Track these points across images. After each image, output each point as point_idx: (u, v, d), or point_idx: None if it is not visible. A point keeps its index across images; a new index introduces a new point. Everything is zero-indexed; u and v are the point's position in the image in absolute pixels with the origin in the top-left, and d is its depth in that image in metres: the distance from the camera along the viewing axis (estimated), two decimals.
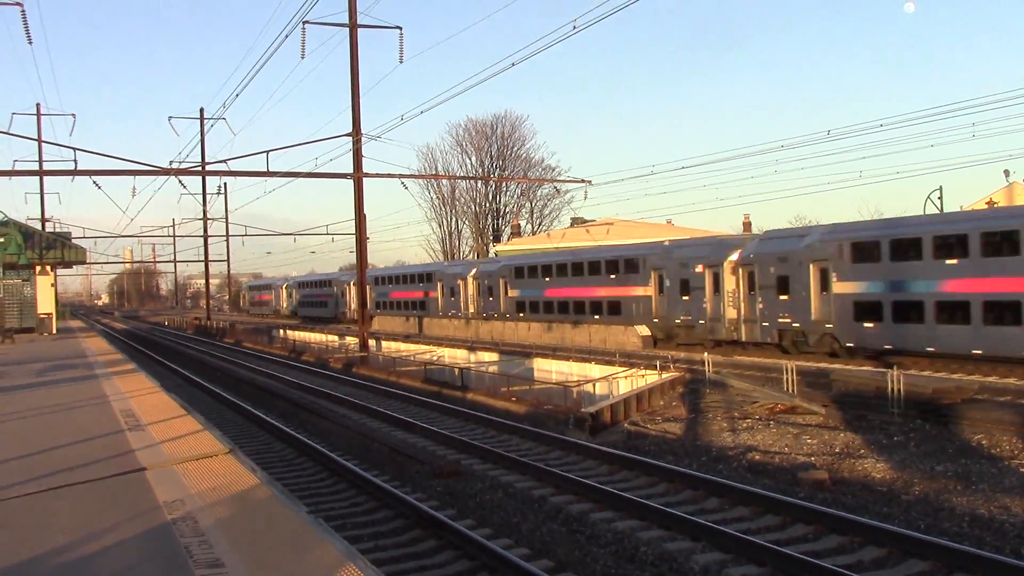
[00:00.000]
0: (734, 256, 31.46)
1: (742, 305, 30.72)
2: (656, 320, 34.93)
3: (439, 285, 54.38)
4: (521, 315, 45.00)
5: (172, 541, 6.87)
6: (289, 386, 29.64)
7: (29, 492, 8.73)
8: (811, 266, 27.70)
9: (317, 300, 77.46)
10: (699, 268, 32.67)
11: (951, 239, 23.61)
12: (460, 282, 51.67)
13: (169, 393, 17.92)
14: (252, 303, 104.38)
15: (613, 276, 37.76)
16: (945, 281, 23.38)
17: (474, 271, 51.03)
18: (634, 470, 14.79)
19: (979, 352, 22.74)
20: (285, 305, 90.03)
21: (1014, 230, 21.88)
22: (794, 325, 28.27)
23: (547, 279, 43.00)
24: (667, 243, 36.95)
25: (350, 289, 65.73)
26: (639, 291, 35.89)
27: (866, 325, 25.81)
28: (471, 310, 50.75)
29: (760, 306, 29.67)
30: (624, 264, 37.16)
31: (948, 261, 23.31)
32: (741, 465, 15.89)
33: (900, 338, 24.86)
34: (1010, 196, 44.95)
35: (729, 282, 31.42)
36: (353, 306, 61.29)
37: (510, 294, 46.36)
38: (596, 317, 38.49)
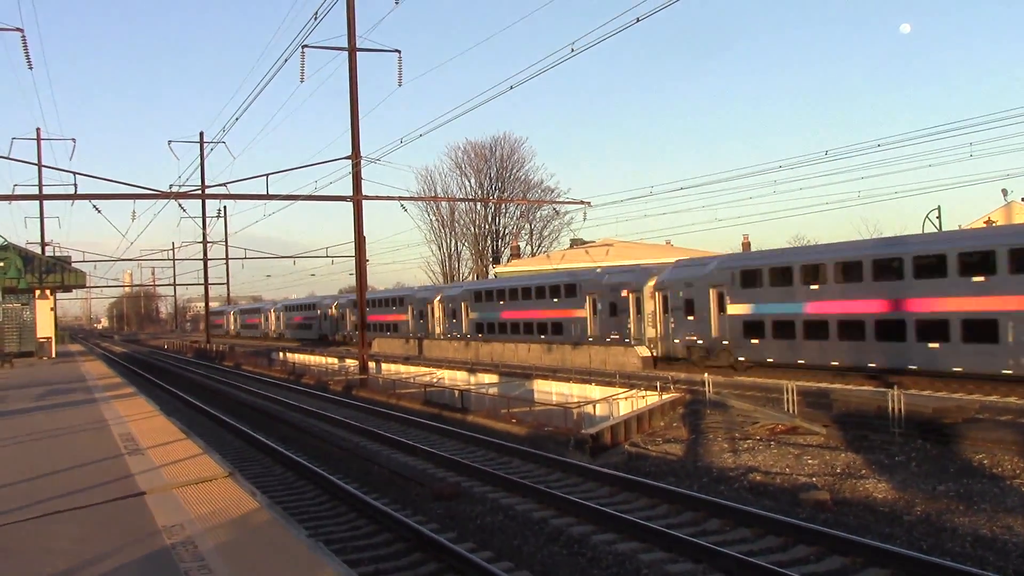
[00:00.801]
0: (438, 297, 54.81)
1: (441, 323, 54.16)
2: (411, 332, 56.62)
3: (318, 312, 77.10)
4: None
5: (172, 566, 6.85)
6: (289, 409, 29.58)
7: (29, 517, 8.70)
8: (463, 304, 50.72)
9: (252, 324, 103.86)
10: (438, 304, 54.72)
11: (518, 291, 45.51)
12: (329, 310, 74.67)
13: (168, 417, 17.89)
14: (211, 326, 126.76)
15: (395, 307, 60.66)
16: (519, 312, 45.23)
17: (336, 303, 73.75)
18: (635, 492, 14.73)
19: (542, 338, 42.54)
20: (233, 328, 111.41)
21: (542, 287, 43.39)
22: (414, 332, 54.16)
23: (374, 308, 65.49)
24: (416, 288, 62.75)
25: (272, 315, 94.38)
26: (402, 317, 59.17)
27: (478, 334, 48.08)
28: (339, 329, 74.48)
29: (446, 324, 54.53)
30: (397, 301, 60.53)
31: (524, 301, 44.92)
32: (742, 486, 15.83)
33: (506, 337, 45.64)
34: (1008, 215, 45.00)
35: (437, 310, 54.55)
36: (273, 327, 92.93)
37: (350, 318, 68.50)
38: (388, 333, 59.96)
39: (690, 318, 32.13)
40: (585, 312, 39.45)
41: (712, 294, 31.05)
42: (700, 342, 31.59)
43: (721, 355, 30.39)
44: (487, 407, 28.04)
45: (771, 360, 28.94)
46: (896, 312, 24.66)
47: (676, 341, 32.97)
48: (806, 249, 33.37)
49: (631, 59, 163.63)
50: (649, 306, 34.92)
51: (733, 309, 30.19)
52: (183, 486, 10.06)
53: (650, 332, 34.84)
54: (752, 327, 29.30)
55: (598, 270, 41.30)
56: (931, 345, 23.69)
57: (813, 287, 27.31)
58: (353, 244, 38.63)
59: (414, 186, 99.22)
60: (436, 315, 54.40)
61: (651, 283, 35.09)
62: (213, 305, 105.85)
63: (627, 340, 35.58)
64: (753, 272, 29.78)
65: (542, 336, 42.74)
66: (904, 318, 24.46)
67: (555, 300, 41.96)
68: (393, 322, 60.08)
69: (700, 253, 55.60)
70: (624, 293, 36.45)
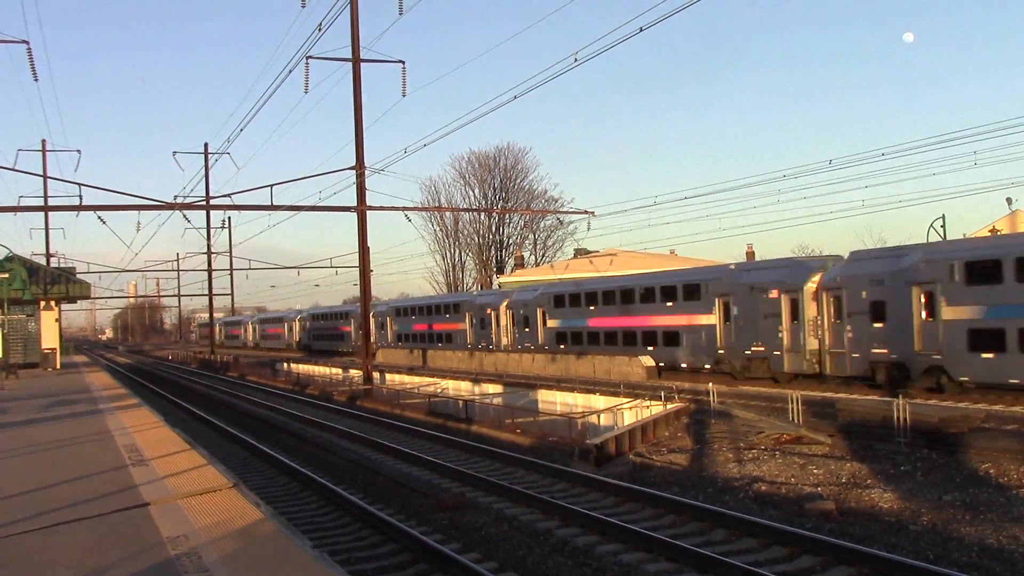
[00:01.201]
0: (372, 312, 61.27)
1: (373, 333, 61.94)
2: (353, 342, 66.80)
3: (284, 325, 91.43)
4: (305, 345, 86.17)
5: None
6: (293, 419, 29.56)
7: (33, 528, 8.70)
8: (387, 318, 64.71)
9: (234, 335, 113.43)
10: (372, 318, 62.60)
11: (423, 308, 59.35)
12: (293, 323, 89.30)
13: (173, 428, 17.91)
14: (200, 336, 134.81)
15: (341, 320, 74.12)
16: (423, 325, 58.06)
17: (298, 316, 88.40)
18: (640, 502, 14.70)
19: (439, 346, 53.51)
20: (218, 339, 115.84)
21: (438, 305, 56.90)
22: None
23: (329, 321, 79.66)
24: (357, 305, 69.87)
25: (250, 326, 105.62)
26: (347, 328, 71.27)
27: (399, 342, 60.83)
28: (286, 341, 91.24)
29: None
30: (344, 315, 73.59)
31: (427, 316, 57.92)
32: (747, 496, 15.77)
33: (415, 344, 57.88)
34: (1013, 224, 44.91)
35: (372, 323, 59.86)
36: (251, 338, 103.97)
37: (308, 330, 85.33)
38: (336, 342, 73.65)
39: (527, 329, 45.21)
40: (465, 325, 51.69)
41: (539, 313, 44.07)
42: (532, 347, 43.89)
43: (514, 353, 43.60)
44: (491, 417, 28.01)
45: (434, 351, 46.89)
46: (632, 326, 36.88)
47: (519, 346, 45.42)
48: (591, 281, 43.18)
49: (635, 69, 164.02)
50: (504, 320, 47.34)
51: (550, 323, 43.16)
52: (187, 497, 10.06)
53: (504, 340, 47.51)
54: (561, 336, 42.11)
55: (474, 292, 56.22)
56: (649, 348, 35.68)
57: (592, 308, 39.84)
58: (357, 254, 38.68)
59: (418, 196, 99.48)
60: (371, 327, 64.94)
61: (505, 303, 47.55)
62: (218, 317, 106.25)
63: (491, 347, 47.85)
64: (560, 297, 42.55)
65: (439, 344, 54.78)
66: (636, 331, 36.64)
67: (447, 316, 54.51)
68: (340, 332, 74.72)
69: (704, 262, 55.58)
70: (488, 311, 48.85)
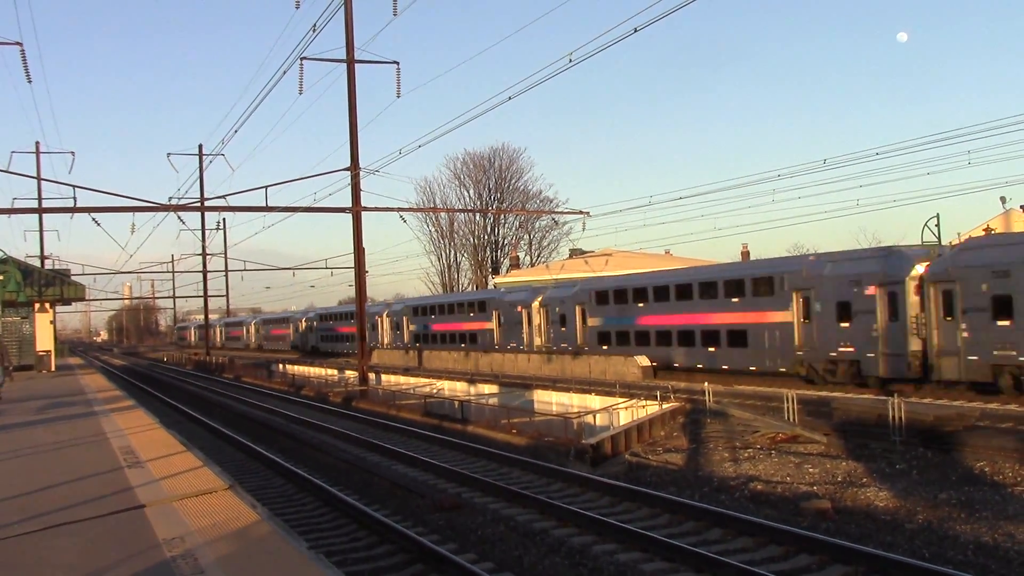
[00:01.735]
0: (304, 318, 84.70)
1: (306, 334, 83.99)
2: (293, 342, 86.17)
3: (243, 328, 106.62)
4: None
5: None
6: (289, 421, 29.53)
7: (28, 531, 8.68)
8: (314, 323, 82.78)
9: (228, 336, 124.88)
10: (304, 321, 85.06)
11: (337, 315, 75.55)
12: (250, 327, 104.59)
13: (168, 429, 17.86)
14: (179, 338, 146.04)
15: (283, 325, 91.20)
16: (338, 328, 73.79)
17: (254, 321, 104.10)
18: (636, 501, 14.71)
19: (347, 345, 67.71)
20: (193, 339, 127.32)
21: (342, 314, 73.98)
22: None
23: (274, 324, 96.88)
24: (293, 312, 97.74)
25: (218, 329, 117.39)
26: (288, 331, 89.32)
27: (321, 341, 78.19)
28: (246, 342, 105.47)
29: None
30: (285, 320, 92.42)
31: (338, 321, 73.86)
32: (743, 495, 15.80)
33: (330, 346, 75.64)
34: (1007, 223, 44.97)
35: (303, 325, 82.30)
36: (218, 340, 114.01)
37: (261, 333, 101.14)
38: (279, 343, 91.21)
39: (398, 331, 61.92)
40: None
41: (404, 320, 60.92)
42: (399, 344, 60.04)
43: (410, 351, 55.08)
44: (487, 418, 28.00)
45: (428, 351, 54.33)
46: (454, 329, 53.61)
47: (395, 344, 60.92)
48: (431, 298, 62.94)
49: (630, 69, 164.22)
50: (385, 325, 64.19)
51: (410, 327, 59.88)
52: (183, 499, 10.05)
53: (385, 340, 63.45)
54: (416, 336, 58.77)
55: (369, 303, 69.45)
56: (462, 344, 51.28)
57: (432, 317, 57.11)
58: (352, 255, 38.67)
59: (413, 197, 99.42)
60: (302, 328, 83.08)
61: (385, 312, 64.73)
62: (213, 318, 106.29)
63: (377, 345, 61.95)
64: (415, 309, 60.34)
65: (346, 344, 68.58)
66: (455, 332, 53.38)
67: (350, 321, 64.97)
68: (283, 335, 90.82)
69: (699, 262, 55.67)
70: (377, 318, 64.44)
